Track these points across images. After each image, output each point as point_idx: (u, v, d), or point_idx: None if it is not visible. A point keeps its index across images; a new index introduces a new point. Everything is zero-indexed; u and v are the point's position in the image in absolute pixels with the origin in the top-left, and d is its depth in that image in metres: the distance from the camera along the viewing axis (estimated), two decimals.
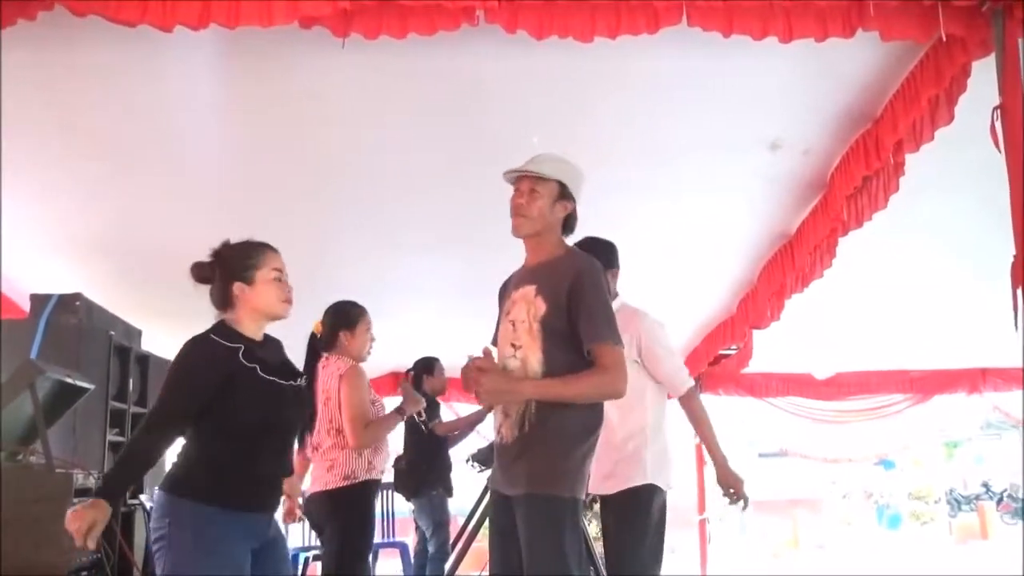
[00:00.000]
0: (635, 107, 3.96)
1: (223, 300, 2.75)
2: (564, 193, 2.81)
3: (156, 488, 2.69)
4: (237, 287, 2.72)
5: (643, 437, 3.57)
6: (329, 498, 3.88)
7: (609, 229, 3.75)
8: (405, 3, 2.89)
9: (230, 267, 2.76)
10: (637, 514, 3.56)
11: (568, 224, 2.88)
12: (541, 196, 2.79)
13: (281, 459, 2.83)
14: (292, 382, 2.79)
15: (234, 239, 2.86)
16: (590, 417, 2.73)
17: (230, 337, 2.67)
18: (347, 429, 3.85)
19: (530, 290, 2.76)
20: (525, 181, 2.82)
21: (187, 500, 2.57)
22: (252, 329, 2.75)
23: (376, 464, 3.96)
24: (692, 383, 3.75)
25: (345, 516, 3.87)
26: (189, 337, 2.72)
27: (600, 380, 2.68)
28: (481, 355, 2.75)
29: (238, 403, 2.61)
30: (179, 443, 2.73)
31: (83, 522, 2.41)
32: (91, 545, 2.45)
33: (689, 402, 3.74)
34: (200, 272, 2.78)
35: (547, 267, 2.79)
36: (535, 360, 2.69)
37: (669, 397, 3.74)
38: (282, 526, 4.94)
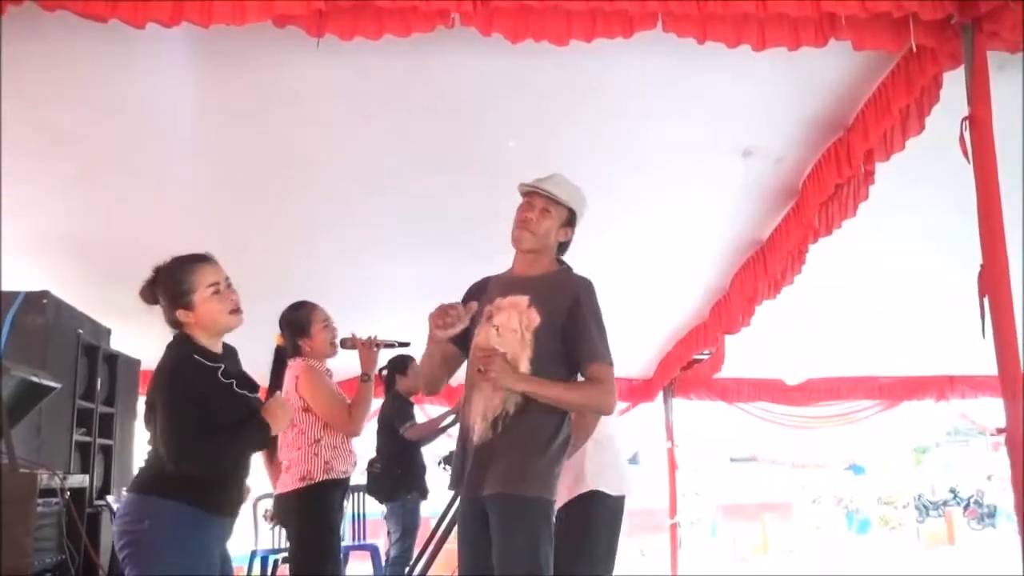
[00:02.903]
0: (609, 113, 3.97)
1: (173, 323, 2.79)
2: (571, 220, 2.95)
3: (125, 490, 2.73)
4: (180, 314, 2.75)
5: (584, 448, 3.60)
6: (287, 500, 3.92)
7: (582, 234, 3.75)
8: (380, 4, 2.88)
9: (168, 295, 2.76)
10: (581, 522, 3.57)
11: (561, 249, 3.00)
12: (551, 217, 2.90)
13: (245, 465, 2.90)
14: (256, 395, 2.89)
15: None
16: (560, 425, 2.80)
17: (210, 357, 2.75)
18: (335, 424, 3.91)
19: (522, 300, 2.83)
20: (539, 198, 2.91)
21: (171, 501, 2.60)
22: (210, 343, 2.80)
23: (335, 465, 3.92)
24: None
25: (302, 519, 3.89)
26: (165, 343, 2.80)
27: (597, 392, 2.82)
28: (462, 306, 2.82)
29: (212, 413, 2.66)
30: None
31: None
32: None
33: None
34: (147, 297, 2.81)
35: (543, 281, 2.88)
36: (523, 368, 2.76)
37: None
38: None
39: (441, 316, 2.76)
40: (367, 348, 4.01)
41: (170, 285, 2.75)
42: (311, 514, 3.86)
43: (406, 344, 4.25)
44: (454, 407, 5.88)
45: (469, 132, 4.06)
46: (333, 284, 5.30)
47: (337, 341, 4.09)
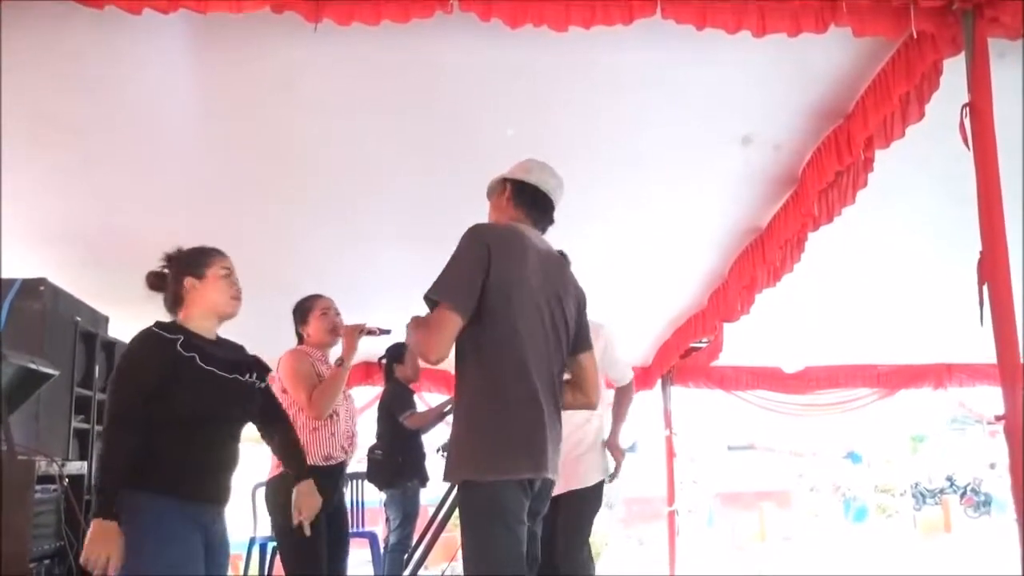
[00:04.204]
0: (608, 101, 3.96)
1: (175, 298, 2.85)
2: (500, 188, 2.87)
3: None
4: (188, 282, 2.83)
5: (600, 439, 4.15)
6: (266, 488, 3.94)
7: (581, 222, 3.75)
8: None
9: (182, 264, 2.86)
10: (595, 508, 4.09)
11: (524, 199, 2.82)
12: (489, 207, 2.91)
13: (223, 450, 2.87)
14: (239, 376, 2.86)
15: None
16: (473, 399, 2.59)
17: (172, 330, 2.77)
18: (302, 404, 3.87)
19: None
20: None
21: (137, 491, 2.59)
22: (203, 327, 2.85)
23: (310, 449, 3.83)
24: (631, 375, 4.42)
25: (274, 507, 3.85)
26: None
27: (418, 336, 2.60)
28: None
29: (176, 392, 2.68)
30: None
31: (103, 554, 2.48)
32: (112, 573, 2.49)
33: (628, 391, 4.34)
34: (154, 280, 2.89)
35: None
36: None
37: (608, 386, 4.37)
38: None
39: None
40: (349, 334, 4.01)
41: (190, 257, 2.88)
42: (282, 503, 3.66)
43: (387, 331, 4.27)
44: (445, 401, 5.92)
45: (466, 121, 4.04)
46: (329, 275, 5.29)
47: (339, 324, 4.09)
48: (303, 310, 4.14)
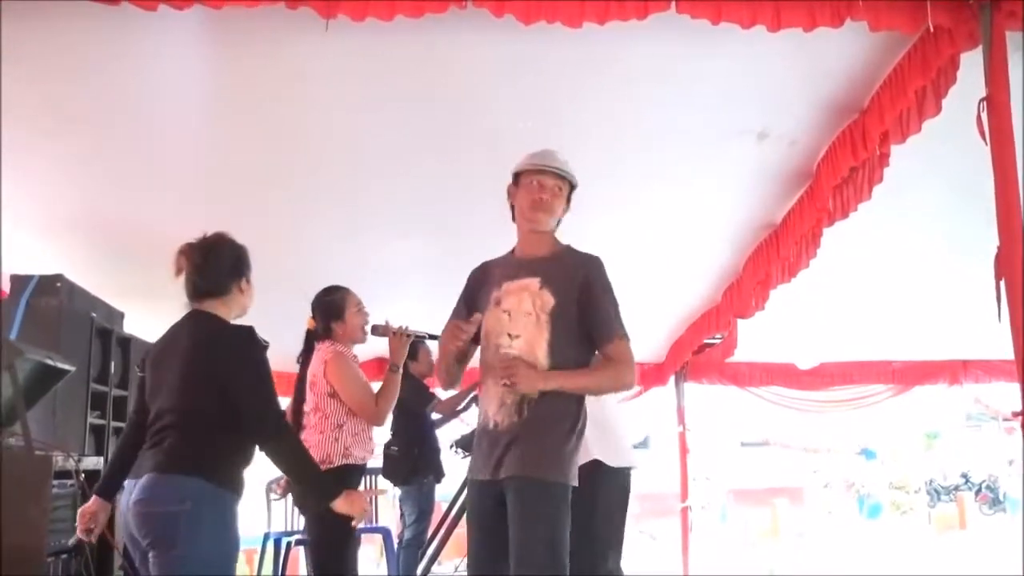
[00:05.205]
0: (621, 96, 3.95)
1: (219, 291, 2.86)
2: (570, 196, 2.94)
3: (168, 472, 2.68)
4: (243, 284, 2.89)
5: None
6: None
7: (594, 217, 3.74)
8: None
9: (243, 263, 2.91)
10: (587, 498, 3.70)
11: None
12: (561, 196, 2.91)
13: None
14: None
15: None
16: (581, 408, 2.82)
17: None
18: (361, 412, 3.89)
19: (532, 282, 2.82)
20: (549, 177, 2.88)
21: (212, 484, 2.66)
22: None
23: (354, 450, 3.89)
24: None
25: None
26: (202, 322, 2.84)
27: (619, 372, 2.83)
28: (471, 322, 2.84)
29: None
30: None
31: (361, 504, 2.88)
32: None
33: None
34: (195, 252, 2.86)
35: (551, 262, 2.87)
36: (541, 352, 2.76)
37: None
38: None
39: (453, 335, 2.85)
40: (398, 338, 3.92)
41: (241, 257, 2.92)
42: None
43: (436, 337, 4.18)
44: (470, 386, 5.89)
45: (477, 116, 4.03)
46: (339, 267, 5.29)
47: (368, 328, 4.06)
48: (335, 304, 4.04)
